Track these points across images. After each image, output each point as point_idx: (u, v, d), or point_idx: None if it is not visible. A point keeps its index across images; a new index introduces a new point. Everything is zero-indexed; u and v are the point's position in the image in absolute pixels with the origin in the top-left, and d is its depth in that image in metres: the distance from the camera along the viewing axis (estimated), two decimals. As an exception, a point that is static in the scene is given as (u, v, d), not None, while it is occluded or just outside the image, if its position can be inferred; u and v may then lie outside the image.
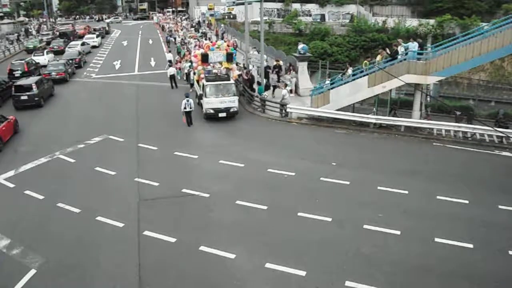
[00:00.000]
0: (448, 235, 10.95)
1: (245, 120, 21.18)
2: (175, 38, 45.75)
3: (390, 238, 10.95)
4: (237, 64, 27.96)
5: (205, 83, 20.32)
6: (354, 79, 21.33)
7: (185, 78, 28.85)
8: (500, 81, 37.43)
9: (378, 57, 21.81)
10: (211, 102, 20.06)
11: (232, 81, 21.02)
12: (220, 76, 20.93)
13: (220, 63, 22.59)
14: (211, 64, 22.31)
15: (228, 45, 24.17)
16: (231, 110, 20.35)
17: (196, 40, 39.51)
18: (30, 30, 61.29)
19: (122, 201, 13.06)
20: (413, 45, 20.87)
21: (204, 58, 22.04)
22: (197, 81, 22.81)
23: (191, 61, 28.05)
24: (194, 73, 24.29)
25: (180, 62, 30.97)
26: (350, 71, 22.70)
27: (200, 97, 20.88)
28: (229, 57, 22.48)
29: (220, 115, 20.16)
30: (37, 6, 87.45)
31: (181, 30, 50.43)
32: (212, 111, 20.10)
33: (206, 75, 21.13)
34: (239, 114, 21.14)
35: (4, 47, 44.65)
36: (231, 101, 20.28)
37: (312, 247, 10.61)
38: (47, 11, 75.69)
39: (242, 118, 21.23)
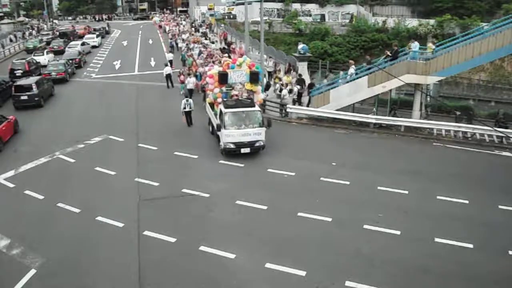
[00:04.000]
0: (448, 235, 10.95)
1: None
2: (177, 44, 41.17)
3: (390, 238, 10.95)
4: None
5: (224, 110, 15.99)
6: (354, 79, 21.35)
7: (181, 93, 24.31)
8: (500, 81, 37.43)
9: (351, 69, 21.84)
10: (231, 135, 15.73)
11: (257, 107, 16.77)
12: (242, 101, 16.90)
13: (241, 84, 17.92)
14: (231, 85, 17.83)
15: (245, 59, 19.13)
16: (256, 144, 15.97)
17: (201, 45, 35.93)
18: (30, 30, 61.47)
19: (122, 201, 13.06)
20: (414, 45, 20.95)
21: (223, 78, 17.11)
22: (210, 104, 18.35)
23: (195, 75, 25.09)
24: (206, 94, 20.29)
25: (183, 75, 25.80)
26: (352, 70, 22.45)
27: (218, 128, 16.18)
28: (254, 77, 17.37)
29: (243, 150, 15.81)
30: (37, 6, 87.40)
31: (184, 34, 45.46)
32: (232, 146, 15.74)
33: (224, 99, 17.03)
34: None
35: None
36: (257, 133, 15.93)
37: (312, 247, 10.62)
38: (47, 11, 75.68)
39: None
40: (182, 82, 24.89)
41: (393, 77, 18.76)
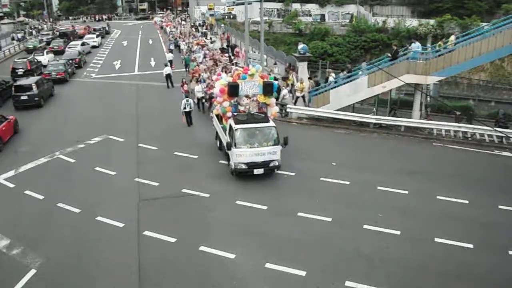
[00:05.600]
0: (448, 235, 10.96)
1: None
2: (179, 46, 39.27)
3: (390, 238, 10.95)
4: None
5: (234, 125, 14.28)
6: (354, 79, 21.37)
7: (196, 102, 21.78)
8: (500, 81, 37.43)
9: (330, 78, 21.97)
10: (243, 154, 13.95)
11: (272, 122, 14.83)
12: (255, 115, 15.00)
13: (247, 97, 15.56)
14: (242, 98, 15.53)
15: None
16: (271, 164, 14.15)
17: (205, 48, 33.84)
18: (30, 30, 61.62)
19: (122, 201, 13.07)
20: (416, 46, 20.97)
21: (233, 90, 14.89)
22: (217, 116, 16.58)
23: (197, 80, 22.95)
24: (211, 104, 19.01)
25: (186, 83, 23.11)
26: (331, 78, 22.53)
27: (227, 147, 14.30)
28: (268, 89, 15.20)
29: (256, 171, 14.03)
30: (37, 6, 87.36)
31: (186, 36, 42.94)
32: (244, 167, 13.97)
33: (235, 114, 15.11)
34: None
35: None
36: (272, 152, 14.09)
37: (312, 247, 10.62)
38: (47, 11, 75.69)
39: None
40: (187, 92, 21.73)
41: (393, 77, 18.77)
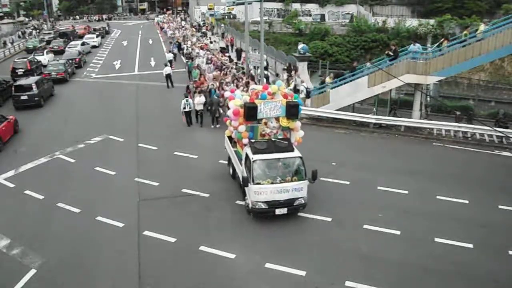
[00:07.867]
0: (448, 235, 10.96)
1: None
2: (182, 48, 37.55)
3: (390, 238, 10.96)
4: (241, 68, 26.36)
5: (252, 156, 11.71)
6: (354, 79, 21.38)
7: (197, 120, 20.06)
8: (500, 81, 37.45)
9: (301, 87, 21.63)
10: (262, 192, 11.46)
11: (297, 152, 12.20)
12: (276, 143, 12.32)
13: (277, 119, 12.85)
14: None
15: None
16: (296, 203, 11.69)
17: (208, 52, 31.86)
18: (30, 30, 61.65)
19: (122, 201, 13.07)
20: (415, 47, 21.01)
21: (251, 113, 12.23)
22: (230, 139, 14.22)
23: (200, 91, 20.49)
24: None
25: (190, 93, 21.41)
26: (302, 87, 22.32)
27: (244, 182, 11.73)
28: (292, 111, 12.43)
29: (278, 212, 11.59)
30: (37, 6, 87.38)
31: (189, 38, 40.65)
32: (264, 206, 11.50)
33: (252, 140, 12.57)
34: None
35: None
36: (297, 189, 11.64)
37: (312, 247, 10.62)
38: (47, 11, 75.65)
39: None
40: (188, 91, 21.13)
41: (393, 77, 18.78)
